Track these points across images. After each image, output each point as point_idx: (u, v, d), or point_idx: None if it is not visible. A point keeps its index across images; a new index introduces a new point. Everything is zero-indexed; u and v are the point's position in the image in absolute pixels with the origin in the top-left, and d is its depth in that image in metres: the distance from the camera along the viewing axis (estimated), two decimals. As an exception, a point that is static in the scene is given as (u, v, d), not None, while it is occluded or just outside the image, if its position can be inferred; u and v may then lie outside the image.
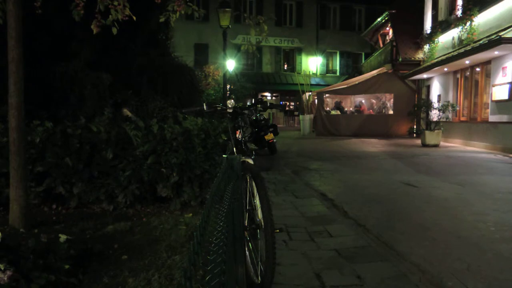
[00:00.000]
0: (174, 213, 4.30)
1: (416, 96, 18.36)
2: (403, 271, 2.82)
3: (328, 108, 19.90)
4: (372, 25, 23.25)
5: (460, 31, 13.50)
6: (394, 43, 18.41)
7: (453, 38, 14.26)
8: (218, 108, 3.08)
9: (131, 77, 8.18)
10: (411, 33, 17.67)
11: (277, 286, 2.55)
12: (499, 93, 11.34)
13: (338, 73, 32.62)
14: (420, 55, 17.45)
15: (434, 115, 13.54)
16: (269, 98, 32.62)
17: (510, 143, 10.68)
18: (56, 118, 5.18)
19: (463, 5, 13.43)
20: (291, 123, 30.97)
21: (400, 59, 17.71)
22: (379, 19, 21.58)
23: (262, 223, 2.33)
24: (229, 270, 1.22)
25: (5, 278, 2.32)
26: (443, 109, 13.28)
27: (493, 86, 11.72)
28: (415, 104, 16.50)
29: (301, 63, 31.63)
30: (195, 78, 10.85)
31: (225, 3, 10.94)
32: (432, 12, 16.60)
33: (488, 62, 12.18)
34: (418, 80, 18.22)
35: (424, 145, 13.09)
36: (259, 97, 29.91)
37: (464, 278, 2.74)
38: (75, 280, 2.61)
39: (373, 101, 21.25)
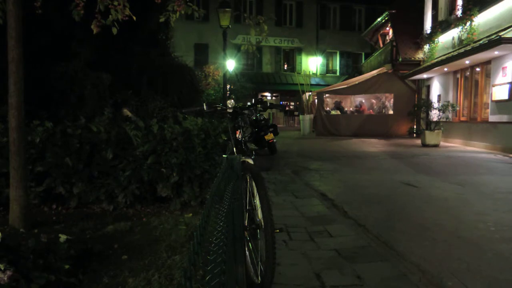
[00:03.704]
0: (174, 213, 4.30)
1: (416, 96, 18.36)
2: (403, 271, 2.82)
3: (328, 108, 19.89)
4: (372, 25, 23.24)
5: (460, 31, 13.50)
6: (394, 43, 18.41)
7: (453, 38, 14.26)
8: (218, 108, 3.08)
9: (131, 77, 8.18)
10: (411, 33, 17.67)
11: (277, 286, 2.55)
12: (499, 93, 11.34)
13: (338, 73, 32.61)
14: (420, 55, 17.45)
15: (434, 115, 13.54)
16: (269, 98, 32.61)
17: (510, 143, 10.68)
18: (56, 118, 5.17)
19: (463, 5, 13.42)
20: (291, 123, 30.96)
21: (400, 59, 17.71)
22: (379, 19, 21.58)
23: (262, 223, 2.33)
24: (229, 270, 1.22)
25: (5, 278, 2.32)
26: (443, 109, 13.28)
27: (493, 86, 11.72)
28: (415, 104, 16.49)
29: (301, 63, 31.62)
30: (195, 78, 10.86)
31: (225, 3, 10.93)
32: (432, 12, 16.60)
33: (488, 62, 12.18)
34: (418, 80, 18.21)
35: (424, 145, 13.09)
36: (259, 97, 29.89)
37: (464, 278, 2.74)
38: (75, 280, 2.61)
39: (373, 101, 21.25)
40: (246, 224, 2.45)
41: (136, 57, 8.43)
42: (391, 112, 18.94)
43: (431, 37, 16.00)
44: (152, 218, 4.10)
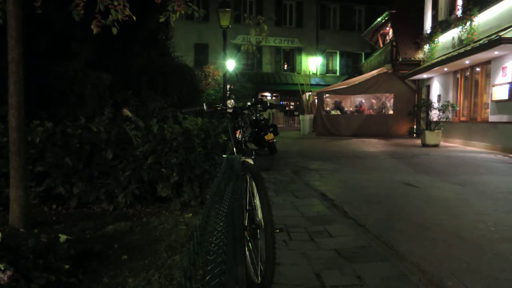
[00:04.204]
0: (174, 213, 4.30)
1: (416, 96, 18.36)
2: (403, 271, 2.82)
3: (328, 108, 19.90)
4: (372, 25, 23.25)
5: (460, 31, 13.50)
6: (394, 43, 18.41)
7: (453, 38, 14.26)
8: (218, 108, 3.08)
9: (131, 77, 8.18)
10: (411, 33, 17.67)
11: (277, 286, 2.55)
12: (499, 93, 11.34)
13: (338, 73, 32.61)
14: (420, 55, 17.45)
15: (434, 115, 13.54)
16: (269, 98, 32.61)
17: (510, 143, 10.68)
18: (56, 118, 5.17)
19: (463, 5, 13.43)
20: (291, 123, 30.96)
21: (400, 59, 17.71)
22: (379, 19, 21.58)
23: (262, 223, 2.33)
24: (229, 270, 1.22)
25: (5, 278, 2.32)
26: (443, 109, 13.28)
27: (493, 86, 11.72)
28: (415, 104, 16.49)
29: (301, 63, 31.62)
30: (195, 78, 10.86)
31: (225, 3, 10.93)
32: (432, 12, 16.60)
33: (488, 62, 12.18)
34: (418, 80, 18.22)
35: (424, 145, 13.09)
36: (259, 97, 29.89)
37: (464, 278, 2.74)
38: (75, 280, 2.61)
39: (373, 101, 21.26)
40: (246, 224, 2.45)
41: (136, 57, 8.43)
42: (391, 112, 18.94)
43: (431, 37, 16.00)
44: (152, 218, 4.10)
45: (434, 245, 3.46)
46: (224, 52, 11.66)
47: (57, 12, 6.05)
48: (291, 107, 33.16)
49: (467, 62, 12.87)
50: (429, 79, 17.19)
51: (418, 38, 17.43)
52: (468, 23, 12.86)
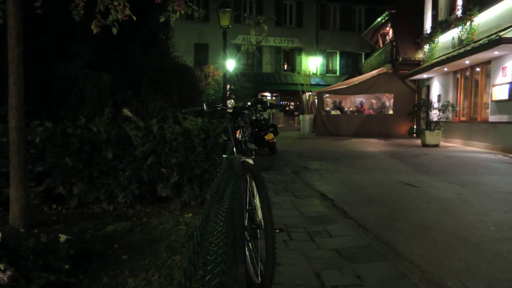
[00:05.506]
0: (174, 213, 4.30)
1: (416, 96, 18.35)
2: (403, 271, 2.83)
3: (328, 108, 19.89)
4: (372, 25, 23.24)
5: (460, 31, 13.50)
6: (394, 43, 18.40)
7: (453, 38, 14.26)
8: (218, 108, 3.07)
9: (131, 77, 8.18)
10: (411, 33, 17.67)
11: (277, 286, 2.55)
12: (499, 93, 11.34)
13: (338, 73, 32.61)
14: (420, 55, 17.45)
15: (434, 115, 13.54)
16: (269, 98, 32.59)
17: (510, 143, 10.68)
18: (56, 118, 5.17)
19: (463, 5, 13.43)
20: (291, 123, 30.95)
21: (400, 59, 17.71)
22: (379, 19, 21.57)
23: (262, 223, 2.33)
24: (229, 270, 1.22)
25: (5, 278, 2.32)
26: (443, 109, 13.28)
27: (493, 86, 11.72)
28: (415, 104, 16.48)
29: (301, 63, 31.62)
30: (195, 78, 10.86)
31: (225, 3, 10.93)
32: (432, 12, 16.60)
33: (488, 62, 12.18)
34: (418, 80, 18.21)
35: (424, 145, 13.09)
36: (259, 97, 29.88)
37: (464, 278, 2.74)
38: (75, 280, 2.61)
39: (373, 101, 21.24)
40: (246, 224, 2.45)
41: (136, 57, 8.43)
42: (391, 112, 18.94)
43: (431, 37, 15.99)
44: (152, 218, 4.10)
45: (434, 245, 3.46)
46: (224, 52, 11.66)
47: (57, 12, 6.05)
48: (291, 107, 33.16)
49: (467, 62, 12.87)
50: (429, 79, 17.18)
51: (418, 38, 17.42)
52: (468, 23, 12.86)
